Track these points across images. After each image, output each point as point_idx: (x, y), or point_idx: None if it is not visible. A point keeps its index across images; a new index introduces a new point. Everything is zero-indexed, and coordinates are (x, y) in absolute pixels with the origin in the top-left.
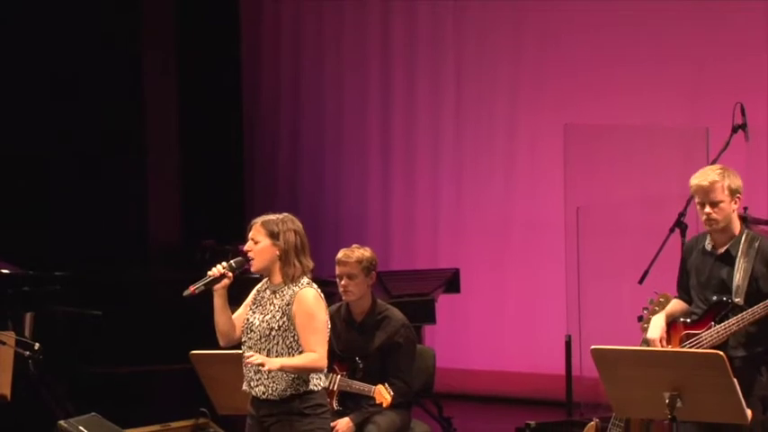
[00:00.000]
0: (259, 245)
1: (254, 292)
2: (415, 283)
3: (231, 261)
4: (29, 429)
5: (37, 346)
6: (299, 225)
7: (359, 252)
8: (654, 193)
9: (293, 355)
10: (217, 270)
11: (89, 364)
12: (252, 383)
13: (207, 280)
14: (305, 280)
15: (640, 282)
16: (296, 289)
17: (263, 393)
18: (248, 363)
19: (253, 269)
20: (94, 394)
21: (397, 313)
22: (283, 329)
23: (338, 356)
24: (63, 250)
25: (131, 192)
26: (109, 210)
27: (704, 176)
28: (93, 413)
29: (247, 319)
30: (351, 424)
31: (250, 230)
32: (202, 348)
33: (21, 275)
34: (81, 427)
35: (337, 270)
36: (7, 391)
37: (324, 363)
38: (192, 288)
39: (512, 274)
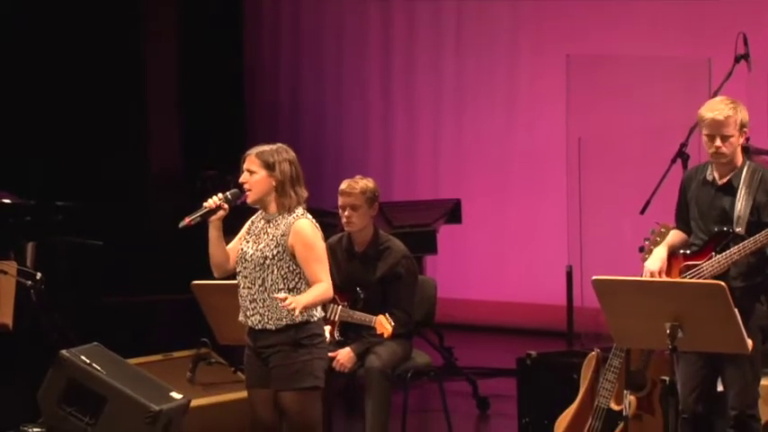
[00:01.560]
0: (254, 176)
1: (248, 223)
2: (417, 214)
3: (227, 193)
4: (30, 359)
5: (39, 275)
6: (293, 155)
7: (362, 183)
8: (656, 123)
9: (288, 285)
10: (212, 202)
11: (90, 294)
12: (248, 313)
13: (202, 211)
14: (299, 210)
15: (642, 212)
16: (291, 219)
17: (260, 323)
18: (283, 305)
19: (248, 201)
20: (96, 324)
21: (398, 244)
22: (278, 259)
23: (339, 287)
24: (65, 181)
25: (132, 122)
26: (109, 140)
27: (719, 111)
28: (94, 343)
29: (241, 249)
30: (352, 354)
31: (244, 162)
32: (204, 278)
33: (22, 205)
34: (83, 357)
35: (340, 201)
36: (9, 321)
37: (331, 291)
38: (187, 219)
39: (513, 205)
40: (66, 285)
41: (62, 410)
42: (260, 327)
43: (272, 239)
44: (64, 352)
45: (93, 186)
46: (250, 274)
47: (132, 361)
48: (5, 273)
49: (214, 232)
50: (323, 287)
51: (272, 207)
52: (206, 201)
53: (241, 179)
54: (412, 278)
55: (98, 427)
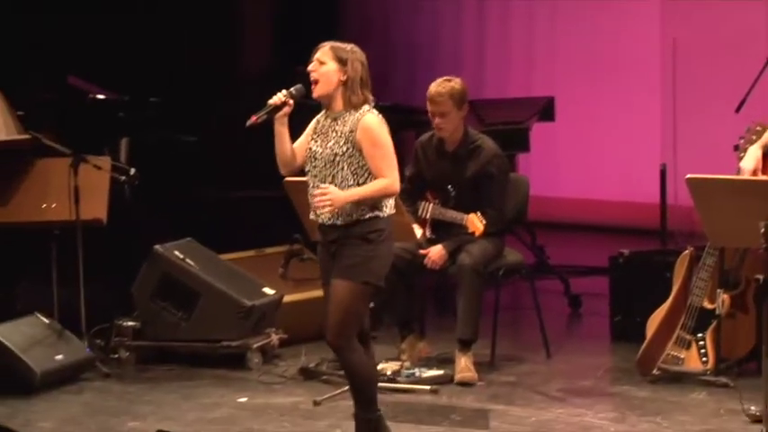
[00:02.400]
0: (325, 66)
1: (313, 122)
2: (509, 112)
3: (291, 89)
4: (124, 254)
5: (132, 171)
6: (365, 58)
7: (449, 86)
8: (752, 21)
9: (358, 181)
10: (278, 98)
11: (184, 189)
12: (318, 210)
13: (269, 108)
14: (366, 107)
15: (737, 110)
16: (358, 116)
17: (329, 219)
18: (317, 202)
19: (315, 93)
20: (189, 220)
21: (489, 142)
22: (348, 155)
23: (430, 185)
24: (158, 77)
25: (222, 18)
26: (201, 36)
27: None
28: (188, 239)
29: (310, 149)
30: (444, 251)
31: (316, 52)
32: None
33: (116, 101)
34: (176, 252)
35: (429, 108)
36: (103, 215)
37: (396, 187)
38: (254, 117)
39: (607, 102)
40: (160, 181)
41: (156, 305)
42: (329, 222)
43: (340, 136)
44: (158, 247)
45: (185, 82)
46: (320, 172)
47: (225, 257)
48: (100, 168)
49: (280, 129)
50: (380, 183)
51: (338, 103)
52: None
53: (310, 67)
54: (504, 176)
55: (191, 321)
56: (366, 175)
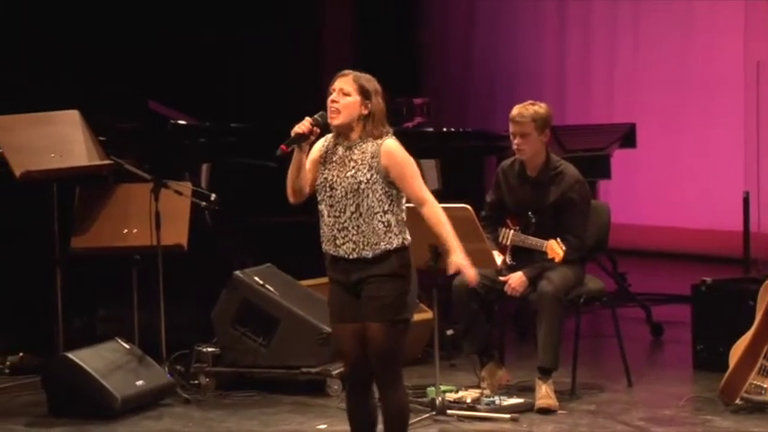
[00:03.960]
0: (348, 98)
1: (318, 149)
2: (591, 138)
3: (315, 116)
4: (205, 279)
5: (213, 196)
6: (381, 90)
7: (532, 109)
8: None
9: (384, 207)
10: (304, 126)
11: (264, 215)
12: (338, 242)
13: (296, 137)
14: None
15: None
16: (378, 142)
17: (354, 251)
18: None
19: (335, 122)
20: (269, 246)
21: (571, 169)
22: (372, 182)
23: (511, 211)
24: (240, 103)
25: (306, 46)
26: (282, 61)
27: None
28: (267, 264)
29: (324, 178)
30: (524, 278)
31: (336, 80)
32: None
33: (198, 126)
34: (256, 278)
35: (511, 128)
36: (184, 241)
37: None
38: (283, 147)
39: (688, 129)
40: (240, 206)
41: (236, 331)
42: (354, 255)
43: (362, 164)
44: (238, 273)
45: (267, 111)
46: (339, 201)
47: (304, 283)
48: (181, 193)
49: (300, 156)
50: (436, 210)
51: (356, 133)
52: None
53: (332, 97)
54: (585, 203)
55: (271, 347)
56: (390, 201)
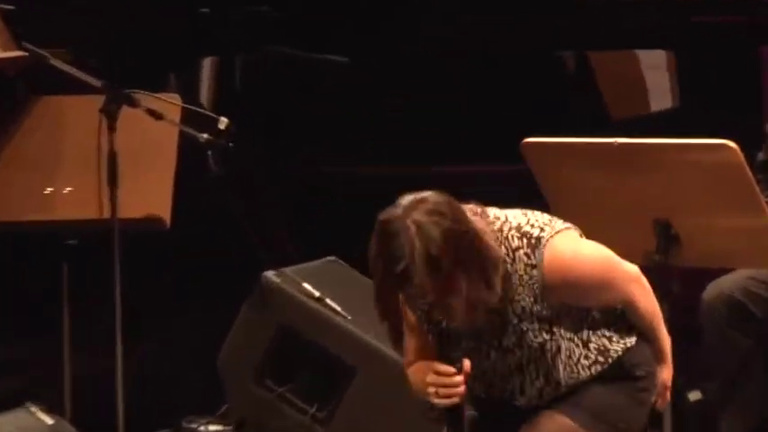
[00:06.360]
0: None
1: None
2: None
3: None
4: (206, 286)
5: (224, 122)
6: None
7: None
8: None
9: (583, 340)
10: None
11: (325, 159)
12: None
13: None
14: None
15: None
16: (525, 263)
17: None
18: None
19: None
20: (330, 219)
21: None
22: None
23: None
24: None
25: None
26: None
27: None
28: (330, 258)
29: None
30: None
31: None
32: None
33: None
34: (306, 285)
35: None
36: (165, 212)
37: (641, 277)
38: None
39: None
40: (278, 144)
41: (265, 390)
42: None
43: (528, 315)
44: (269, 274)
45: None
46: (503, 380)
47: None
48: (161, 116)
49: None
50: (648, 310)
51: None
52: None
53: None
54: None
55: (334, 423)
56: (583, 323)
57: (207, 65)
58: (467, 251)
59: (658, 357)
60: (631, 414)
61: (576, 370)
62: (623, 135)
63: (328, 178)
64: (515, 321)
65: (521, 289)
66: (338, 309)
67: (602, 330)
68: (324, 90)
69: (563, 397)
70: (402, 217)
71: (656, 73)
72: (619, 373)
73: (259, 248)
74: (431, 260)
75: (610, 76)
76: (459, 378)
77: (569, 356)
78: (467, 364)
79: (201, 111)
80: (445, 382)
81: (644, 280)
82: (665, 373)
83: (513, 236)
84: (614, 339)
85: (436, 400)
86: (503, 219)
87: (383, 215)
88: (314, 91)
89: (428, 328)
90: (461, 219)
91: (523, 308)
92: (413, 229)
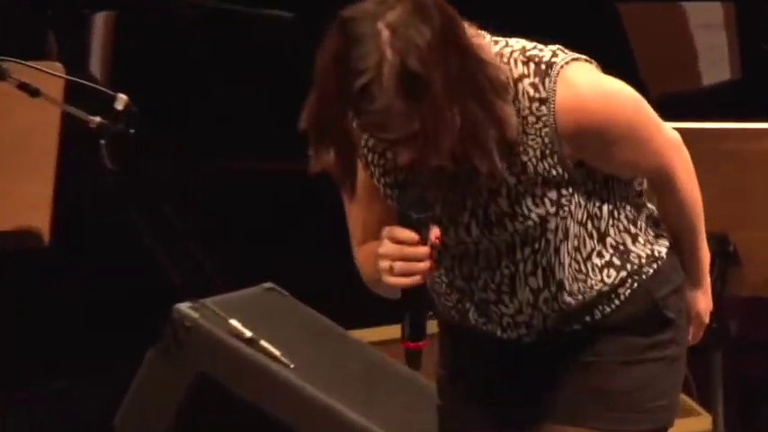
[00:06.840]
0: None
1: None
2: None
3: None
4: (98, 321)
5: (122, 99)
6: None
7: None
8: None
9: (595, 224)
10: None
11: (262, 156)
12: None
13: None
14: (526, 79)
15: None
16: (531, 95)
17: (541, 328)
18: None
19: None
20: (264, 230)
21: None
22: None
23: None
24: None
25: None
26: None
27: None
28: (266, 284)
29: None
30: None
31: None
32: None
33: None
34: (233, 322)
35: None
36: (43, 222)
37: (682, 147)
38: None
39: None
40: (198, 131)
41: None
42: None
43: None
44: (184, 307)
45: None
46: (490, 263)
47: (359, 333)
48: (36, 93)
49: None
50: (689, 204)
51: None
52: None
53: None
54: None
55: None
56: (603, 204)
57: (99, 23)
58: (461, 69)
59: (693, 278)
60: (666, 386)
61: (584, 270)
62: (664, 117)
63: (265, 176)
64: (513, 182)
65: (523, 136)
66: (276, 353)
67: (626, 223)
68: (263, 55)
69: (569, 384)
70: (373, 16)
71: (709, 32)
72: (643, 315)
73: (170, 272)
74: (407, 76)
75: (647, 35)
76: (424, 249)
77: (578, 248)
78: (435, 231)
79: (92, 85)
80: (405, 252)
81: (687, 154)
82: (702, 302)
83: (516, 59)
84: (640, 240)
85: (391, 279)
86: (503, 42)
87: (347, 11)
88: (249, 56)
89: (385, 189)
90: (455, 26)
91: (524, 163)
92: (385, 34)
